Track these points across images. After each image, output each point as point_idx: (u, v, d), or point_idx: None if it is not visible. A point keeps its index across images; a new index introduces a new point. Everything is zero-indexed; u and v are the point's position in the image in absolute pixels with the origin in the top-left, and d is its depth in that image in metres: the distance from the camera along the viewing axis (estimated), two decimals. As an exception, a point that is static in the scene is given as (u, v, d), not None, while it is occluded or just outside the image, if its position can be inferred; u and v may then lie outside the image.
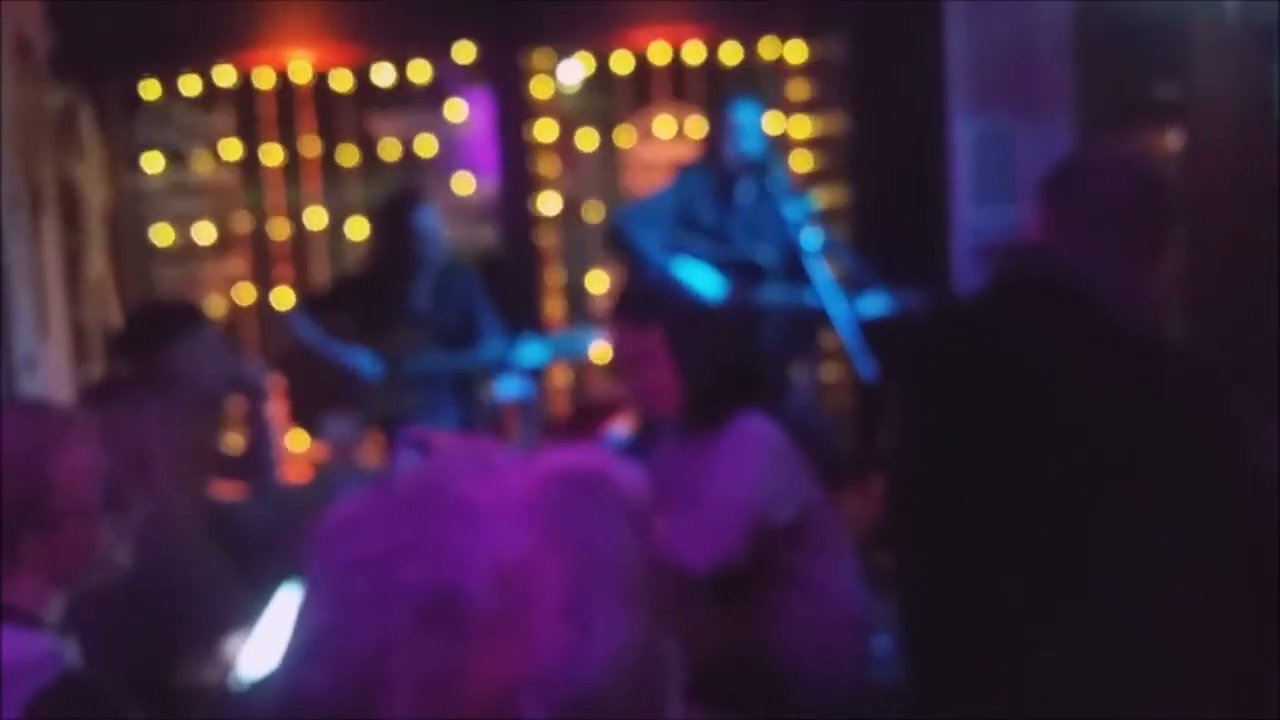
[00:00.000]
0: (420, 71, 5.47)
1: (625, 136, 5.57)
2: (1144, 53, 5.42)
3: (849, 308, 4.19)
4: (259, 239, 5.57)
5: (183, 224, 5.53)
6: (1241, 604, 1.83)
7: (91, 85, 5.14)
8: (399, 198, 4.66)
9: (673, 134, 5.51)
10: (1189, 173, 5.41)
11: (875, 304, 4.35)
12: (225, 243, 5.56)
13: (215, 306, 5.45)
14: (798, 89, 5.52)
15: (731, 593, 2.69)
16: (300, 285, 5.51)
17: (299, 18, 5.35)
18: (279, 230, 5.55)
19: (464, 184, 5.55)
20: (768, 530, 2.68)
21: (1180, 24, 5.35)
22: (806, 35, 5.45)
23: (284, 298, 5.46)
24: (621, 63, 5.48)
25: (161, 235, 5.51)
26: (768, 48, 5.47)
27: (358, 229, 5.49)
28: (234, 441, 3.57)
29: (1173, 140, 5.64)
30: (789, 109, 5.52)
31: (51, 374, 4.51)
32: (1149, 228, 2.00)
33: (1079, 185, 2.03)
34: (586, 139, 5.56)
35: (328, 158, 5.52)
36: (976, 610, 1.95)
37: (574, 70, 5.55)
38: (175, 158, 5.50)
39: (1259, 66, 5.44)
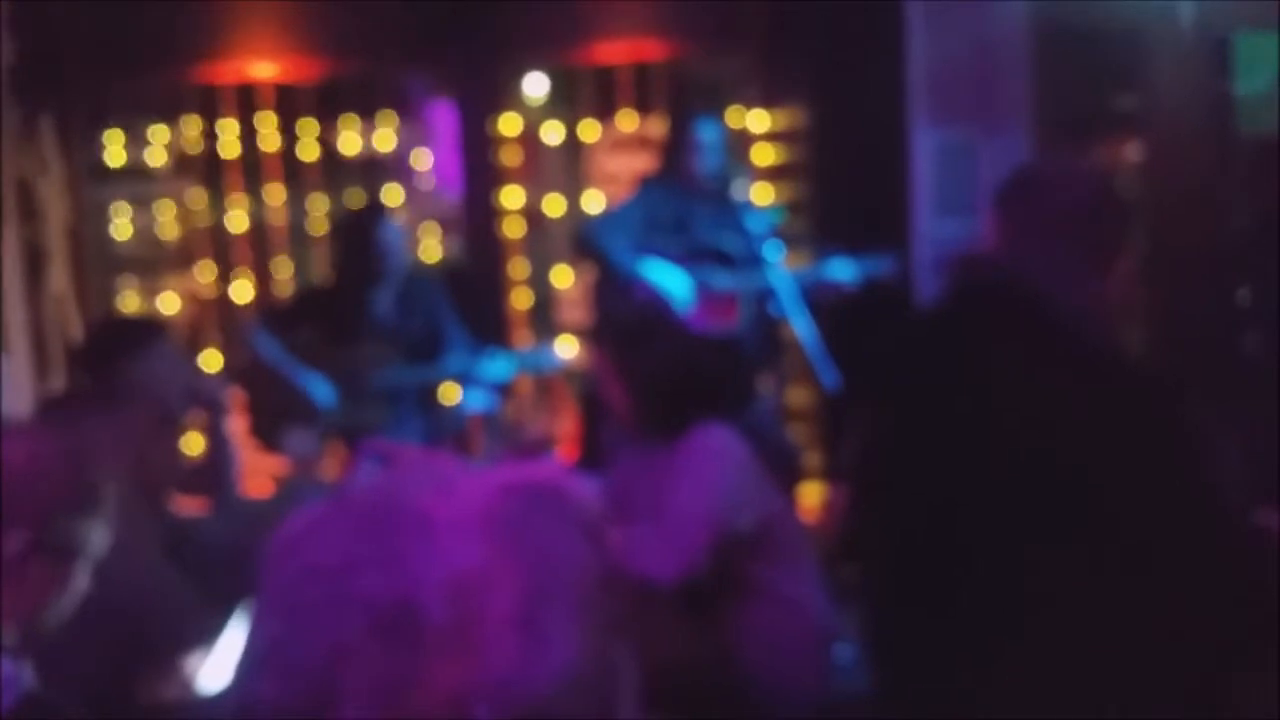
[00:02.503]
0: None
1: (591, 139, 5.58)
2: (1102, 64, 5.48)
3: (809, 307, 4.23)
4: (219, 231, 5.55)
5: (143, 227, 5.52)
6: (1197, 611, 1.86)
7: (54, 98, 5.11)
8: (362, 210, 4.65)
9: (635, 162, 5.51)
10: (1147, 182, 5.47)
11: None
12: (187, 245, 5.55)
13: (171, 305, 5.44)
14: (759, 124, 5.53)
15: (694, 602, 2.70)
16: (261, 285, 5.49)
17: (264, 30, 5.34)
18: (238, 224, 5.54)
19: (425, 178, 5.56)
20: (730, 540, 2.69)
21: (1138, 35, 5.41)
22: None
23: (243, 292, 5.44)
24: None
25: (120, 230, 5.50)
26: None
27: (319, 226, 5.49)
28: (194, 456, 3.55)
29: (1131, 150, 5.71)
30: (752, 140, 5.52)
31: (12, 387, 4.48)
32: (1102, 237, 2.02)
33: (1033, 195, 2.05)
34: (552, 166, 5.57)
35: (288, 153, 5.51)
36: (942, 619, 1.97)
37: (539, 83, 5.56)
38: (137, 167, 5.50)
39: (1216, 76, 5.51)
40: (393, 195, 5.52)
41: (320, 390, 4.32)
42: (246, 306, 5.46)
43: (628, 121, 5.55)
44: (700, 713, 2.62)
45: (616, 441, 3.09)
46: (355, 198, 5.45)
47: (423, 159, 5.54)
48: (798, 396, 5.39)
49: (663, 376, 2.83)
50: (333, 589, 0.82)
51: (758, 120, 5.51)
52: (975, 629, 1.93)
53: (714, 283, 4.48)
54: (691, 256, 4.51)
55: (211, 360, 5.42)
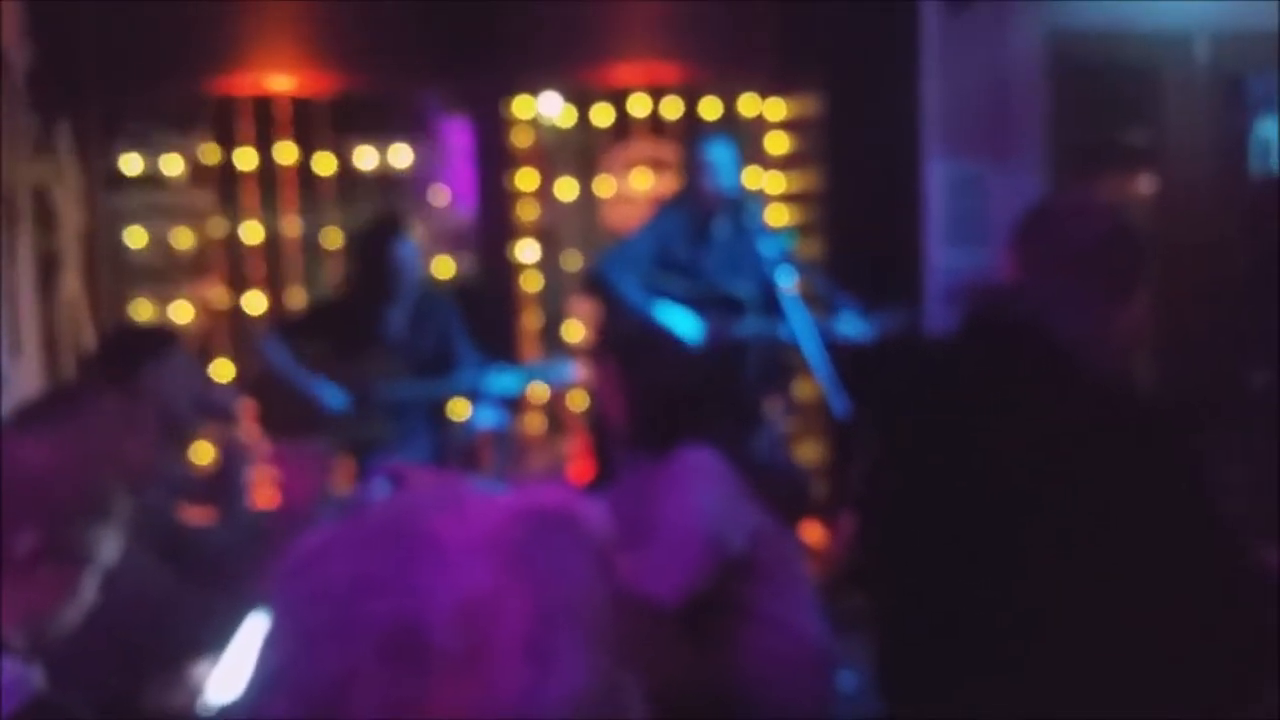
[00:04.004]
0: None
1: (605, 186, 5.59)
2: (1115, 99, 5.50)
3: (822, 344, 4.22)
4: (233, 251, 5.56)
5: (158, 236, 5.53)
6: (1199, 642, 1.86)
7: (70, 105, 5.13)
8: (378, 226, 4.65)
9: (650, 184, 5.52)
10: (1159, 217, 5.47)
11: (851, 326, 4.39)
12: (201, 258, 5.56)
13: (185, 314, 5.44)
14: (776, 143, 5.54)
15: (689, 624, 2.69)
16: (274, 301, 5.49)
17: (280, 43, 5.36)
18: (252, 236, 5.55)
19: (440, 196, 5.54)
20: (725, 559, 2.68)
21: (1152, 71, 5.43)
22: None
23: (255, 302, 5.45)
24: (602, 115, 5.50)
25: (135, 238, 5.50)
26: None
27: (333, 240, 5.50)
28: (204, 466, 3.56)
29: (1143, 185, 5.71)
30: (767, 164, 5.54)
31: (22, 392, 4.49)
32: (1119, 272, 2.03)
33: (1051, 229, 2.05)
34: (566, 187, 5.57)
35: (304, 172, 5.52)
36: (950, 645, 1.97)
37: (554, 102, 5.57)
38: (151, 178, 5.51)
39: (1229, 114, 5.52)
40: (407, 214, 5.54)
41: (331, 396, 4.33)
42: (259, 318, 5.47)
43: (643, 149, 5.56)
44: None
45: (622, 462, 3.09)
46: (370, 213, 5.47)
47: (440, 194, 5.56)
48: (806, 424, 5.39)
49: (661, 387, 2.84)
50: (342, 611, 0.82)
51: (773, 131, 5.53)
52: (982, 655, 1.93)
53: (725, 329, 4.47)
54: (704, 303, 4.50)
55: (223, 370, 5.43)
